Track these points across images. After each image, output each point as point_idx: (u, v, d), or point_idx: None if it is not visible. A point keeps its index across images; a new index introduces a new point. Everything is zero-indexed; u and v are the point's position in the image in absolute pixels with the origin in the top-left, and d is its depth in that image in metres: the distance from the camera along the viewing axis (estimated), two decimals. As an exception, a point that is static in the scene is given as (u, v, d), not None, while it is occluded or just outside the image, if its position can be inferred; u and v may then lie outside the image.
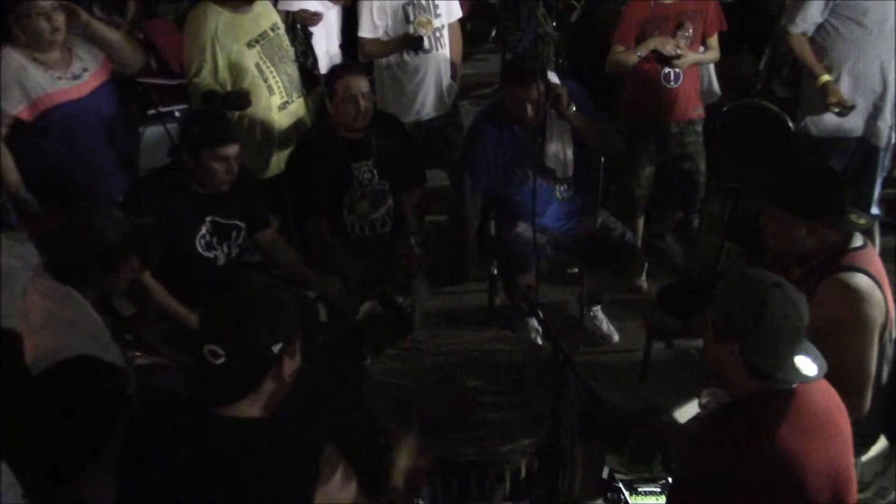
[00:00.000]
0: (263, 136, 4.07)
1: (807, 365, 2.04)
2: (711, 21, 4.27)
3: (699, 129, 4.40)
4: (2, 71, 3.38)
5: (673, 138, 4.36)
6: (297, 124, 4.21)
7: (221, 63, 3.89)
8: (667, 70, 4.22)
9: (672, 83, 4.23)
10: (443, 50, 4.47)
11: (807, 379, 2.03)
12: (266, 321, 1.92)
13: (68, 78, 3.49)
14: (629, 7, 4.28)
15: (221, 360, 1.84)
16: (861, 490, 2.47)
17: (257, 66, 3.98)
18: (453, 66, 4.58)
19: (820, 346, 2.11)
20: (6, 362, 2.55)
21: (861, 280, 2.50)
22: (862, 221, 2.57)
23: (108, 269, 2.53)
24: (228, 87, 3.91)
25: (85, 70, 3.54)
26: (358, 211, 3.91)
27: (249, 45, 3.95)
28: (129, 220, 2.62)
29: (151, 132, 6.09)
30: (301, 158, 3.86)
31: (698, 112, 4.39)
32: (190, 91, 4.05)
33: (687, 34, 4.17)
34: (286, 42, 4.21)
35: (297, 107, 4.22)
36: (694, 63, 4.29)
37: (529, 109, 3.67)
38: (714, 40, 4.32)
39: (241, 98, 3.86)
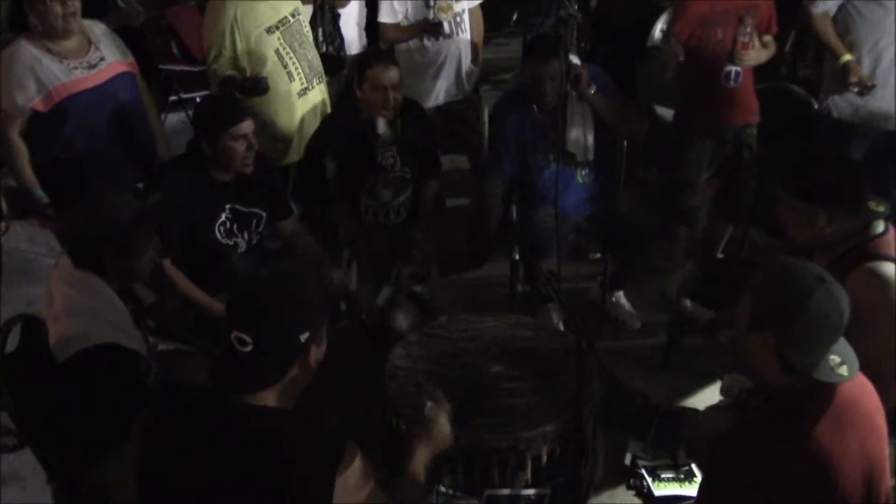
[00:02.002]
0: (283, 123, 4.07)
1: (839, 363, 1.99)
2: (768, 16, 3.96)
3: (755, 132, 4.14)
4: (16, 64, 3.39)
5: (730, 144, 4.11)
6: (317, 111, 4.21)
7: (241, 49, 3.90)
8: (728, 68, 3.91)
9: (732, 82, 3.93)
10: (463, 34, 4.44)
11: (841, 379, 1.98)
12: (295, 309, 1.92)
13: (84, 67, 3.49)
14: (686, 2, 3.96)
15: (249, 348, 1.84)
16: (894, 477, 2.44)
17: (277, 52, 3.98)
18: (474, 50, 4.55)
19: (850, 336, 2.07)
20: (31, 349, 2.58)
21: (890, 268, 2.48)
22: (881, 209, 2.54)
23: (125, 254, 2.53)
24: (248, 74, 3.91)
25: (102, 59, 3.55)
26: (381, 198, 3.91)
27: (269, 31, 3.95)
28: (145, 204, 2.62)
29: (173, 119, 6.13)
30: (324, 141, 3.86)
31: (755, 114, 4.12)
32: (209, 77, 4.06)
33: (748, 30, 3.84)
34: (307, 28, 4.21)
35: (317, 93, 4.22)
36: (756, 61, 3.97)
37: (549, 87, 3.65)
38: (769, 36, 4.01)
39: (258, 84, 3.86)
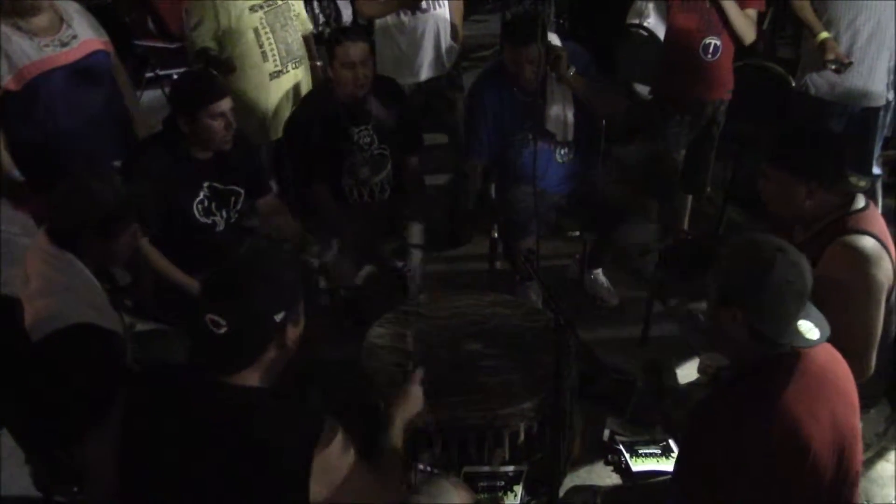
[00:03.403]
0: (252, 102, 4.04)
1: (810, 329, 2.02)
2: None
3: (725, 108, 4.17)
4: None
5: (704, 118, 4.13)
6: (290, 94, 4.18)
7: (223, 23, 3.90)
8: (707, 40, 3.92)
9: (710, 56, 3.95)
10: (441, 10, 4.41)
11: (810, 343, 2.01)
12: (268, 290, 1.90)
13: (55, 45, 3.42)
14: None
15: (223, 330, 1.83)
16: (863, 451, 2.47)
17: (255, 31, 3.96)
18: (454, 26, 4.51)
19: (827, 309, 2.09)
20: (6, 329, 2.55)
21: (868, 243, 2.49)
22: (861, 184, 2.56)
23: (105, 235, 2.51)
24: (225, 48, 3.91)
25: (74, 37, 3.47)
26: (359, 176, 3.89)
27: (252, 9, 3.95)
28: (127, 186, 2.60)
29: (149, 96, 6.07)
30: (300, 121, 3.84)
31: (729, 92, 4.14)
32: (186, 44, 4.04)
33: None
34: (295, 12, 4.17)
35: (292, 77, 4.18)
36: (734, 20, 3.87)
37: (529, 70, 3.65)
38: (753, 12, 3.97)
39: (224, 64, 3.85)
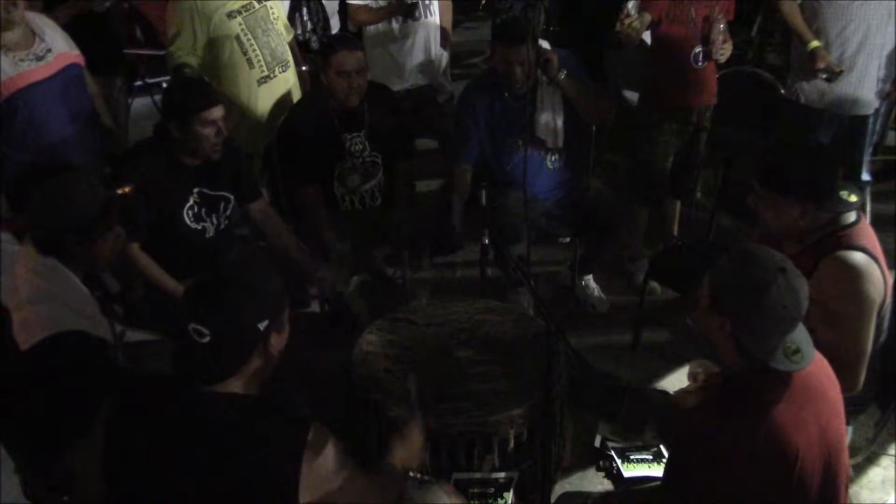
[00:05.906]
0: (242, 111, 4.01)
1: (796, 351, 2.00)
2: (729, 5, 3.95)
3: (710, 114, 4.17)
4: None
5: (691, 125, 4.13)
6: (282, 99, 4.14)
7: (201, 34, 3.85)
8: (698, 49, 3.90)
9: (700, 63, 3.94)
10: (431, 17, 4.43)
11: (795, 368, 1.99)
12: (250, 299, 1.89)
13: (31, 59, 3.38)
14: None
15: (206, 340, 1.82)
16: (852, 456, 2.47)
17: (237, 38, 3.91)
18: (443, 34, 4.53)
19: (818, 323, 2.09)
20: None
21: (860, 258, 2.48)
22: (853, 199, 2.54)
23: (86, 239, 2.50)
24: (207, 59, 3.88)
25: (49, 51, 3.44)
26: (349, 183, 3.89)
27: (230, 15, 3.89)
28: (108, 190, 2.58)
29: (139, 104, 6.05)
30: (293, 127, 3.83)
31: (714, 96, 4.14)
32: (166, 60, 4.00)
33: (720, 27, 3.81)
34: (274, 15, 4.12)
35: (281, 81, 4.14)
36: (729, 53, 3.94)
37: (519, 71, 3.66)
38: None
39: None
